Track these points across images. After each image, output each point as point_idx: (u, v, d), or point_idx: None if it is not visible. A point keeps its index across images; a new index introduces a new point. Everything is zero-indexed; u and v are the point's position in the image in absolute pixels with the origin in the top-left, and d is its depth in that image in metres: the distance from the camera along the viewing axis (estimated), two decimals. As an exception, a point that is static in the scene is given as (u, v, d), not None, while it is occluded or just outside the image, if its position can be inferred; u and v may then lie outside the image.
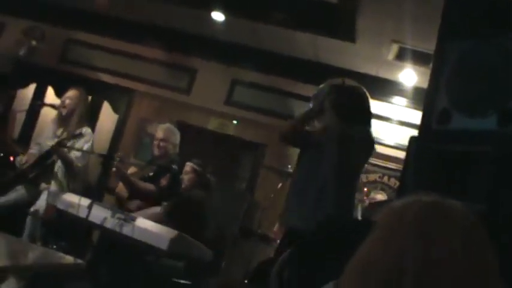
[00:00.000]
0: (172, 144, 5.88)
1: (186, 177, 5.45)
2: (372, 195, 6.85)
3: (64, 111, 5.80)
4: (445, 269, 1.12)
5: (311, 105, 4.39)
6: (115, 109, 8.36)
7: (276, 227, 5.73)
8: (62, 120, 5.84)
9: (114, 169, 5.42)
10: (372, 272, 1.18)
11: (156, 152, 5.88)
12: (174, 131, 6.00)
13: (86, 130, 5.75)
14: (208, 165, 5.58)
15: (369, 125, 4.14)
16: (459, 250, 1.15)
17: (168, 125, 6.08)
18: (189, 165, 5.49)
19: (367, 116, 4.15)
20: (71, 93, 5.87)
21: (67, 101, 5.81)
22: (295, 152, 5.92)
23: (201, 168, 5.47)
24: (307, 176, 4.03)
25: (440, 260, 1.13)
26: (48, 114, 7.63)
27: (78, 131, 5.61)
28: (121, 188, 5.71)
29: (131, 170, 5.97)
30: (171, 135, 5.90)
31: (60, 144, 5.50)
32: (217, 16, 7.03)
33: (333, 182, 3.87)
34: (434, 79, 2.94)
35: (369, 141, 4.10)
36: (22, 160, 5.70)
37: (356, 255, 1.25)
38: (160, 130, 5.94)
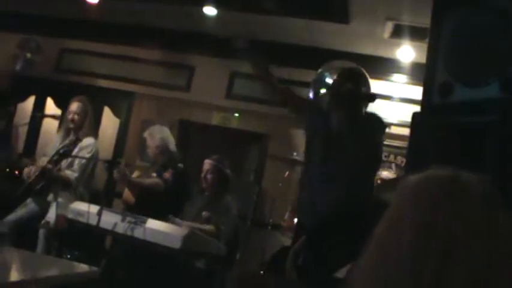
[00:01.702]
0: (161, 143, 5.87)
1: (208, 176, 5.44)
2: (379, 173, 6.82)
3: (72, 125, 5.80)
4: (470, 244, 1.10)
5: (311, 90, 4.37)
6: (116, 113, 8.36)
7: (286, 216, 5.73)
8: (69, 131, 5.84)
9: (115, 174, 5.41)
10: (391, 253, 1.16)
11: (151, 156, 5.90)
12: (158, 130, 6.01)
13: (88, 140, 5.74)
14: (226, 159, 5.57)
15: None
16: (482, 223, 1.12)
17: (150, 128, 6.08)
18: (207, 163, 5.49)
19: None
20: (76, 107, 5.84)
21: (74, 116, 5.79)
22: (299, 139, 5.91)
23: (219, 163, 5.47)
24: (315, 167, 4.01)
25: (465, 236, 1.11)
26: (50, 125, 7.64)
27: (77, 138, 5.62)
28: (128, 195, 5.71)
29: (135, 174, 5.97)
30: (156, 136, 5.91)
31: (61, 156, 5.51)
32: (209, 11, 7.00)
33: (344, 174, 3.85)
34: (432, 53, 2.91)
35: (381, 125, 4.10)
36: (30, 172, 5.69)
37: (373, 236, 1.23)
38: (145, 136, 5.97)
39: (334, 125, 3.90)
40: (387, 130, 6.62)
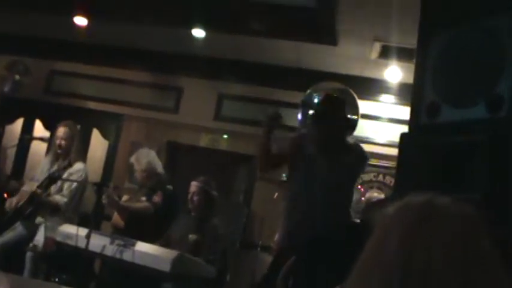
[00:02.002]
0: (148, 166, 5.87)
1: (194, 198, 5.43)
2: (368, 194, 6.84)
3: (59, 150, 5.78)
4: (444, 269, 1.11)
5: (300, 112, 4.39)
6: (105, 135, 8.34)
7: (276, 237, 5.71)
8: (58, 156, 5.82)
9: (103, 199, 5.40)
10: (373, 279, 1.17)
11: (140, 180, 5.89)
12: (144, 154, 6.00)
13: (78, 165, 5.73)
14: (212, 181, 5.56)
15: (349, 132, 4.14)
16: (456, 249, 1.13)
17: (137, 152, 6.08)
18: (194, 185, 5.48)
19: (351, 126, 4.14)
20: (62, 132, 5.82)
21: (61, 142, 5.77)
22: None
23: (206, 185, 5.46)
24: (302, 183, 4.02)
25: (439, 261, 1.11)
26: (38, 147, 7.62)
27: (67, 163, 5.60)
28: (117, 218, 5.69)
29: (124, 197, 5.95)
30: (142, 161, 5.90)
31: (51, 180, 5.50)
32: (198, 33, 7.01)
33: (327, 195, 3.87)
34: (419, 73, 2.93)
35: (361, 157, 4.10)
36: (12, 203, 5.65)
37: (358, 262, 1.23)
38: (133, 161, 5.95)
39: (313, 156, 3.94)
40: (376, 151, 6.66)
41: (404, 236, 1.16)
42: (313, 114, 4.08)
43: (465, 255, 1.13)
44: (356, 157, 4.05)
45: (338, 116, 4.04)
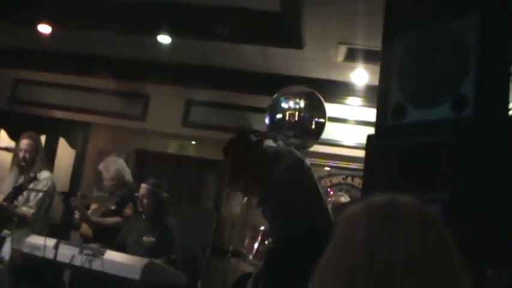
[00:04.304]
0: (118, 174, 5.84)
1: (144, 201, 5.39)
2: (336, 198, 6.86)
3: (23, 163, 5.70)
4: (403, 270, 1.11)
5: (267, 116, 4.38)
6: (72, 144, 8.27)
7: (246, 242, 5.71)
8: (22, 168, 5.74)
9: (76, 215, 5.35)
10: (334, 279, 1.17)
11: (109, 188, 5.85)
12: (113, 162, 5.96)
13: (43, 174, 5.66)
14: (163, 183, 5.53)
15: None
16: (415, 249, 1.14)
17: (106, 160, 6.04)
18: (143, 187, 5.44)
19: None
20: (25, 144, 5.74)
21: (25, 154, 5.69)
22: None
23: (155, 187, 5.43)
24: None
25: (398, 261, 1.12)
26: (4, 158, 7.51)
27: (32, 175, 5.53)
28: (85, 229, 5.64)
29: (93, 206, 5.90)
30: (112, 168, 5.86)
31: (18, 191, 5.42)
32: (164, 39, 6.99)
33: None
34: (384, 75, 2.95)
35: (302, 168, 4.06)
36: None
37: (320, 262, 1.23)
38: (101, 169, 5.91)
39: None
40: (344, 153, 6.69)
41: (365, 237, 1.16)
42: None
43: (424, 252, 1.14)
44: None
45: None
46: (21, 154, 5.69)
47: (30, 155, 5.69)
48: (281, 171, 3.83)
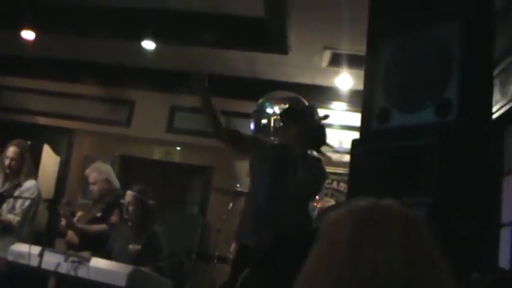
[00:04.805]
0: (106, 180, 5.81)
1: (130, 208, 5.36)
2: (322, 203, 6.86)
3: (8, 170, 5.66)
4: (388, 274, 1.12)
5: (252, 121, 4.39)
6: (56, 151, 8.21)
7: (232, 247, 5.70)
8: (7, 176, 5.70)
9: (62, 222, 5.32)
10: (316, 284, 1.17)
11: (95, 194, 5.82)
12: (101, 168, 5.94)
13: (29, 182, 5.63)
14: (148, 189, 5.51)
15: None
16: (400, 252, 1.15)
17: (94, 165, 6.01)
18: (129, 194, 5.40)
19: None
20: (12, 152, 5.70)
21: (11, 162, 5.65)
22: (242, 171, 5.90)
23: (141, 194, 5.40)
24: (261, 192, 4.01)
25: (382, 265, 1.13)
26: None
27: (17, 182, 5.50)
28: (71, 236, 5.60)
29: (79, 213, 5.86)
30: (99, 174, 5.84)
31: (2, 198, 5.38)
32: (148, 45, 6.98)
33: (287, 202, 3.85)
34: (369, 80, 2.97)
35: (323, 173, 4.11)
36: None
37: (304, 267, 1.24)
38: (89, 173, 5.88)
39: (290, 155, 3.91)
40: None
41: (350, 240, 1.17)
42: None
43: (409, 255, 1.14)
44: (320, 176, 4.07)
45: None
46: (7, 161, 5.65)
47: (16, 162, 5.65)
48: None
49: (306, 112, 4.15)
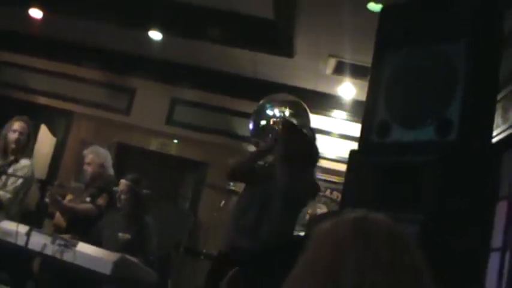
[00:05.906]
0: (101, 165, 5.78)
1: (122, 197, 5.34)
2: (313, 208, 6.87)
3: (14, 145, 5.58)
4: (372, 285, 1.12)
5: (251, 121, 4.38)
6: (53, 132, 8.19)
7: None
8: (6, 150, 5.63)
9: (47, 198, 5.28)
10: None
11: (87, 176, 5.78)
12: (100, 152, 5.89)
13: (24, 162, 5.58)
14: (142, 179, 5.49)
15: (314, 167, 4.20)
16: (385, 264, 1.16)
17: (93, 147, 5.97)
18: (123, 183, 5.38)
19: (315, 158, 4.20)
20: (21, 127, 5.64)
21: (20, 137, 5.58)
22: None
23: (135, 183, 5.38)
24: (252, 194, 4.02)
25: (367, 276, 1.13)
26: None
27: (13, 158, 5.46)
28: (59, 218, 5.58)
29: (68, 196, 5.84)
30: (96, 157, 5.80)
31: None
32: (155, 35, 6.98)
33: (279, 207, 3.87)
34: (372, 91, 2.96)
35: (314, 187, 4.15)
36: None
37: (291, 273, 1.25)
38: (86, 154, 5.84)
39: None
40: (324, 165, 6.71)
41: (336, 250, 1.18)
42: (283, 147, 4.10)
43: (393, 268, 1.16)
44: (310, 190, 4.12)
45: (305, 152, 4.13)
46: (15, 135, 5.58)
47: (25, 138, 5.62)
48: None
49: (303, 132, 4.19)
